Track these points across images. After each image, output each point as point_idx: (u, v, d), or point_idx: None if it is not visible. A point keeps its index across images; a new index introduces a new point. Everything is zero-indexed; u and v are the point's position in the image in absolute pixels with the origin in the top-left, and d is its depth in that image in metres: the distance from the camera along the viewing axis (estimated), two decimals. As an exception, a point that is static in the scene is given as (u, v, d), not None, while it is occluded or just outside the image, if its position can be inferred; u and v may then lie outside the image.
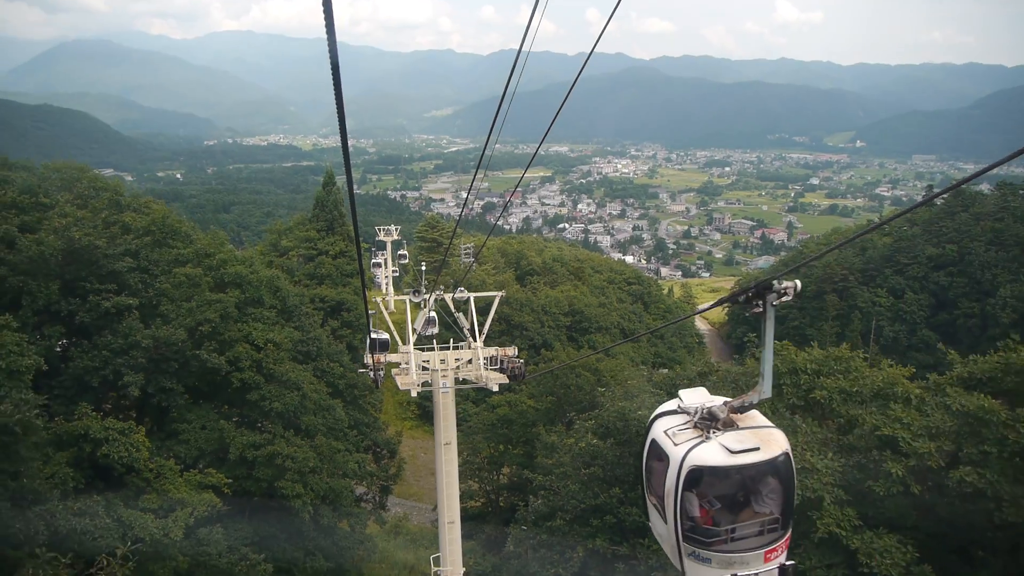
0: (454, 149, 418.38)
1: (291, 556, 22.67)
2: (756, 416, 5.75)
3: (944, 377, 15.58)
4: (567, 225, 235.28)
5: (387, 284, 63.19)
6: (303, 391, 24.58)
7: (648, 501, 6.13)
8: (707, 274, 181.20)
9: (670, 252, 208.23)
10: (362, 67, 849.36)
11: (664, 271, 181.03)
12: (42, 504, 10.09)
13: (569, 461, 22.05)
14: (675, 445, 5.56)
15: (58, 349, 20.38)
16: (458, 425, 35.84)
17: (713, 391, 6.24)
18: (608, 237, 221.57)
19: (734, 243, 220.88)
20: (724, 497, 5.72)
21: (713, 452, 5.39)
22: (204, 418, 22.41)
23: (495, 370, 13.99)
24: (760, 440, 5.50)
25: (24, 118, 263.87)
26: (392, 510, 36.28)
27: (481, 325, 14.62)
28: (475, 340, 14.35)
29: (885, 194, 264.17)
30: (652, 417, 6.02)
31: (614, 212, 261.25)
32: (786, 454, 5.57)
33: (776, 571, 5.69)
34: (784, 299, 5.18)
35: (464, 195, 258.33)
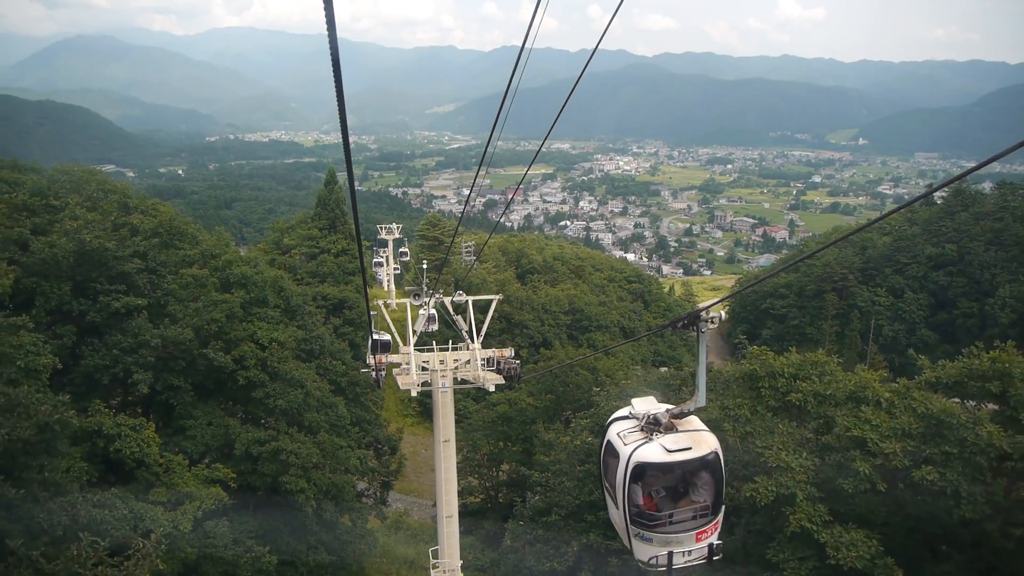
0: (456, 146, 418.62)
1: (294, 549, 23.24)
2: (693, 421, 6.86)
3: (913, 381, 16.37)
4: (569, 223, 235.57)
5: (389, 282, 63.87)
6: (306, 389, 25.14)
7: (605, 491, 7.38)
8: (708, 272, 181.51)
9: (671, 250, 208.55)
10: (363, 63, 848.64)
11: (666, 269, 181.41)
12: (63, 496, 10.69)
13: (565, 458, 22.64)
14: (624, 445, 6.74)
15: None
16: (458, 422, 36.49)
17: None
18: (610, 235, 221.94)
19: (736, 241, 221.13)
20: (664, 488, 6.99)
21: (654, 451, 6.54)
22: (210, 415, 23.01)
23: (492, 371, 14.54)
24: (693, 441, 6.62)
25: (26, 114, 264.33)
26: (393, 505, 36.79)
27: (479, 327, 15.15)
28: (473, 342, 14.88)
29: (887, 192, 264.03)
30: (608, 421, 7.26)
31: (616, 209, 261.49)
32: (715, 453, 6.73)
33: (706, 549, 6.98)
34: (712, 326, 6.27)
35: (465, 191, 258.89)
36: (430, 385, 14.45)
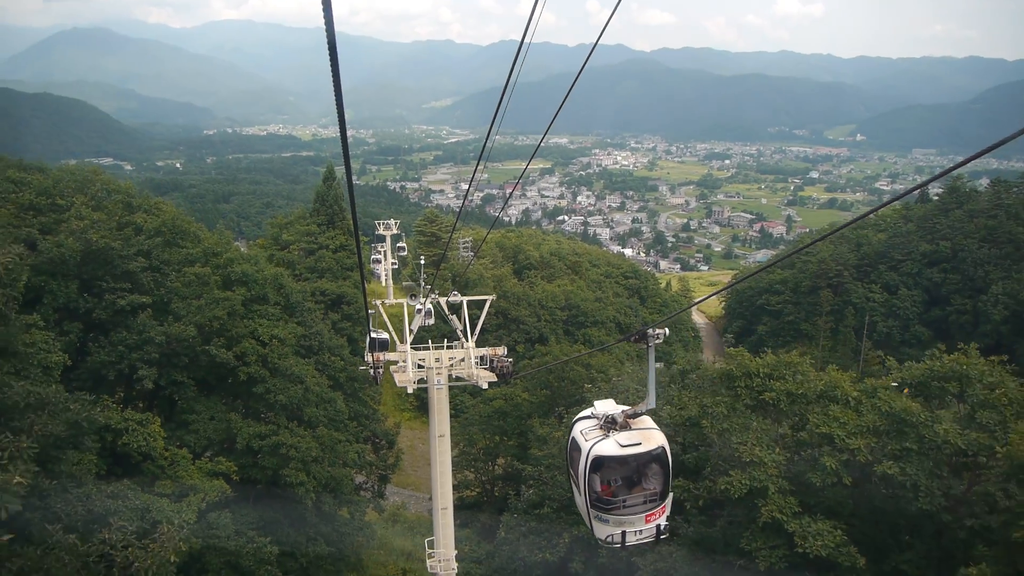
0: (454, 140, 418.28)
1: (294, 541, 23.83)
2: (645, 420, 8.02)
3: (880, 381, 17.14)
4: (566, 217, 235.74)
5: (387, 277, 64.35)
6: (306, 384, 25.67)
7: (571, 480, 8.49)
8: (706, 267, 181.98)
9: (669, 245, 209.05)
10: (361, 57, 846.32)
11: (663, 264, 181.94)
12: (79, 487, 11.26)
13: (558, 452, 23.25)
14: (586, 441, 7.90)
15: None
16: (455, 417, 37.09)
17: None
18: (607, 230, 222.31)
19: (733, 236, 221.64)
20: (619, 477, 8.24)
21: (609, 446, 7.68)
22: (212, 409, 23.60)
23: (486, 369, 15.09)
24: (644, 438, 7.76)
25: (23, 107, 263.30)
26: (390, 499, 37.35)
27: (474, 326, 15.68)
28: (467, 340, 15.42)
29: (884, 188, 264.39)
30: (574, 420, 8.48)
31: (613, 204, 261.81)
32: (662, 447, 7.86)
33: (654, 529, 8.19)
34: (658, 341, 7.44)
35: (463, 186, 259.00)
36: (426, 382, 15.00)
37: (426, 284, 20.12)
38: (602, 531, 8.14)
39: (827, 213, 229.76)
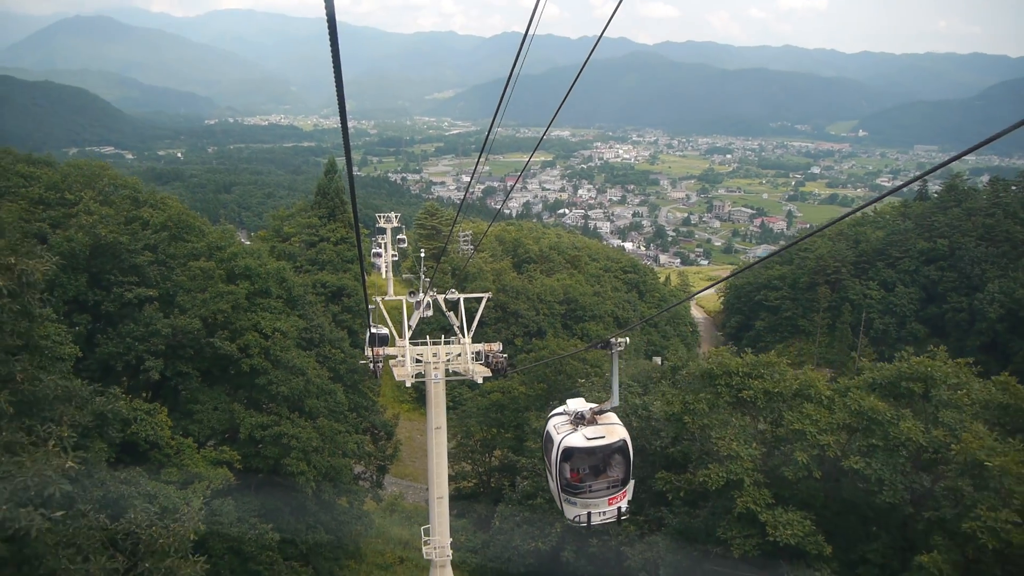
0: (455, 132, 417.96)
1: (294, 528, 24.50)
2: (610, 416, 9.26)
3: (852, 380, 17.92)
4: (567, 211, 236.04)
5: (387, 269, 64.96)
6: (307, 376, 26.27)
7: (545, 468, 9.75)
8: (706, 262, 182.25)
9: (669, 239, 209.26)
10: (363, 48, 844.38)
11: (663, 258, 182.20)
12: (94, 474, 11.84)
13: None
14: (557, 434, 9.12)
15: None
16: (453, 409, 37.65)
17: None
18: (608, 223, 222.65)
19: (733, 231, 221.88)
20: (586, 466, 9.48)
21: (577, 439, 8.88)
22: (216, 400, 24.22)
23: (481, 364, 15.70)
24: (607, 432, 8.98)
25: (25, 95, 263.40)
26: (389, 489, 37.92)
27: (470, 323, 16.26)
28: (464, 336, 16.00)
29: (886, 184, 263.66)
30: (549, 415, 9.76)
31: (614, 198, 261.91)
32: (623, 440, 9.03)
33: (616, 510, 9.45)
34: (620, 349, 8.82)
35: (464, 178, 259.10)
36: (423, 376, 15.60)
37: (426, 277, 20.68)
38: (571, 512, 9.44)
39: (828, 209, 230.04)
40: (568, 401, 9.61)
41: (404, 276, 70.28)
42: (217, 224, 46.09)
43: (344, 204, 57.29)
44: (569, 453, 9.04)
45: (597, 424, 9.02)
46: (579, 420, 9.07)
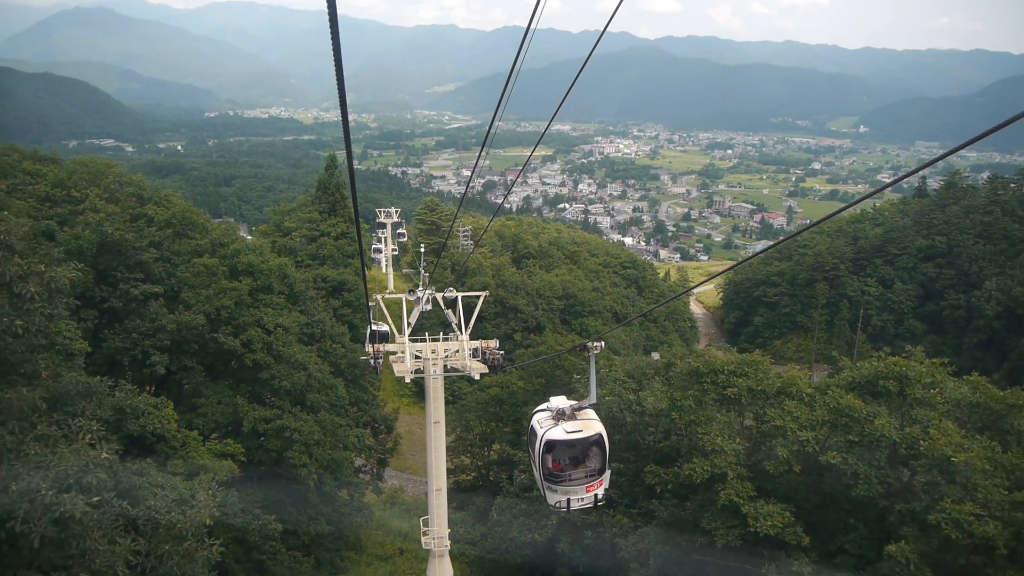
0: (456, 125, 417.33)
1: (296, 519, 25.05)
2: (588, 412, 10.18)
3: (833, 379, 18.52)
4: (567, 205, 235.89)
5: (387, 264, 65.30)
6: (309, 371, 26.80)
7: (530, 459, 10.73)
8: (705, 257, 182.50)
9: (669, 234, 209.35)
10: (364, 41, 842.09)
11: (663, 253, 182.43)
12: (112, 465, 12.30)
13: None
14: (540, 428, 10.09)
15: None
16: (453, 403, 38.06)
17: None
18: (608, 218, 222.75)
19: (733, 227, 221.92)
20: (566, 457, 10.34)
21: (558, 432, 9.81)
22: (220, 394, 24.75)
23: (478, 360, 16.18)
24: (585, 427, 9.90)
25: (25, 87, 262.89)
26: (389, 482, 38.41)
27: (468, 320, 16.71)
28: (462, 333, 16.47)
29: (886, 181, 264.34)
30: (533, 411, 10.75)
31: (615, 193, 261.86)
32: (599, 434, 9.94)
33: (592, 497, 10.40)
34: (596, 352, 9.70)
35: (464, 172, 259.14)
36: (422, 372, 16.07)
37: (425, 272, 21.09)
38: (552, 498, 10.44)
39: (828, 205, 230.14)
40: (551, 399, 10.48)
41: (404, 271, 70.67)
42: (218, 217, 46.52)
43: (345, 199, 57.62)
44: (551, 445, 9.99)
45: (576, 420, 9.95)
46: (560, 416, 10.00)
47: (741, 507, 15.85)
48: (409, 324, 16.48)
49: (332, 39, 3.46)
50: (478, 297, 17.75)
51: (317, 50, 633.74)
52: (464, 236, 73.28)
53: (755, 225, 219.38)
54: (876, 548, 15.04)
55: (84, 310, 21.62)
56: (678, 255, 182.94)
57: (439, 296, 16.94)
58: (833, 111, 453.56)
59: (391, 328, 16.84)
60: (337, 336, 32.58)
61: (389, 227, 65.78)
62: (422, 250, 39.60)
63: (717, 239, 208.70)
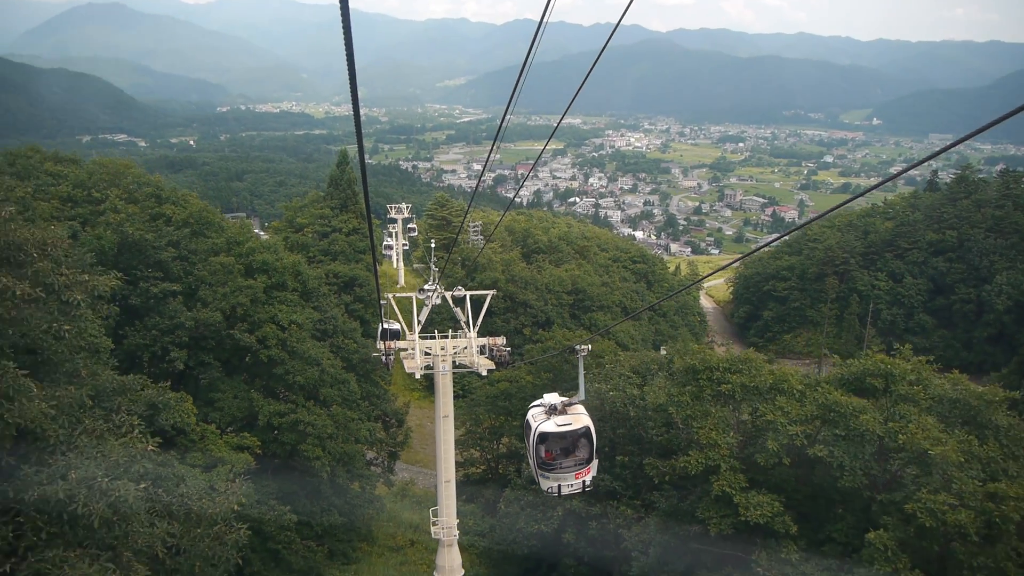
0: (467, 119, 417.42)
1: (309, 511, 25.77)
2: (578, 407, 11.39)
3: (823, 376, 19.18)
4: (578, 199, 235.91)
5: (397, 259, 65.89)
6: (322, 366, 27.46)
7: (526, 449, 12.13)
8: (716, 251, 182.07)
9: (680, 228, 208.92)
10: (375, 35, 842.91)
11: (674, 247, 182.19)
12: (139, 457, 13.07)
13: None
14: (534, 421, 11.34)
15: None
16: (462, 397, 38.64)
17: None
18: (619, 212, 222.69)
19: (745, 220, 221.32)
20: (558, 447, 11.64)
21: (550, 425, 11.07)
22: (236, 389, 25.49)
23: (486, 357, 16.74)
24: (574, 420, 11.12)
25: (39, 82, 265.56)
26: (400, 474, 39.06)
27: (476, 318, 17.26)
28: (470, 331, 17.02)
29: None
30: (528, 406, 12.08)
31: (626, 186, 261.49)
32: (587, 427, 11.16)
33: (581, 483, 11.69)
34: (584, 354, 11.00)
35: (475, 166, 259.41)
36: (432, 368, 16.66)
37: (435, 267, 21.73)
38: (544, 484, 11.84)
39: (840, 198, 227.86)
40: (544, 395, 11.65)
41: (415, 266, 71.33)
42: (230, 212, 47.24)
43: (356, 195, 58.26)
44: (543, 437, 11.17)
45: (567, 414, 11.10)
46: (552, 411, 11.14)
47: (733, 497, 16.65)
48: (419, 322, 17.06)
49: (344, 34, 3.50)
50: (486, 295, 18.30)
51: (328, 45, 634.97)
52: (474, 231, 73.82)
53: (767, 219, 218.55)
54: (861, 536, 15.79)
55: (105, 308, 22.34)
56: (689, 249, 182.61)
57: (448, 295, 17.49)
58: (846, 103, 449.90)
59: (402, 326, 17.47)
60: (349, 332, 33.20)
61: (400, 222, 66.45)
62: (432, 245, 40.23)
63: (728, 233, 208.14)
